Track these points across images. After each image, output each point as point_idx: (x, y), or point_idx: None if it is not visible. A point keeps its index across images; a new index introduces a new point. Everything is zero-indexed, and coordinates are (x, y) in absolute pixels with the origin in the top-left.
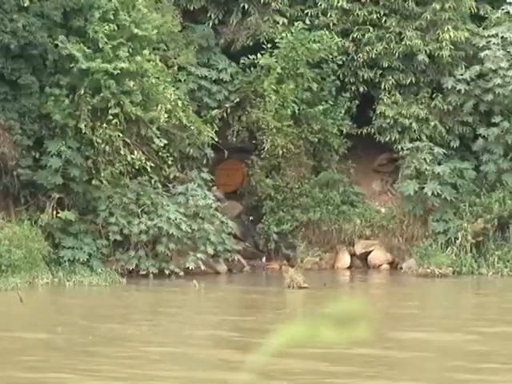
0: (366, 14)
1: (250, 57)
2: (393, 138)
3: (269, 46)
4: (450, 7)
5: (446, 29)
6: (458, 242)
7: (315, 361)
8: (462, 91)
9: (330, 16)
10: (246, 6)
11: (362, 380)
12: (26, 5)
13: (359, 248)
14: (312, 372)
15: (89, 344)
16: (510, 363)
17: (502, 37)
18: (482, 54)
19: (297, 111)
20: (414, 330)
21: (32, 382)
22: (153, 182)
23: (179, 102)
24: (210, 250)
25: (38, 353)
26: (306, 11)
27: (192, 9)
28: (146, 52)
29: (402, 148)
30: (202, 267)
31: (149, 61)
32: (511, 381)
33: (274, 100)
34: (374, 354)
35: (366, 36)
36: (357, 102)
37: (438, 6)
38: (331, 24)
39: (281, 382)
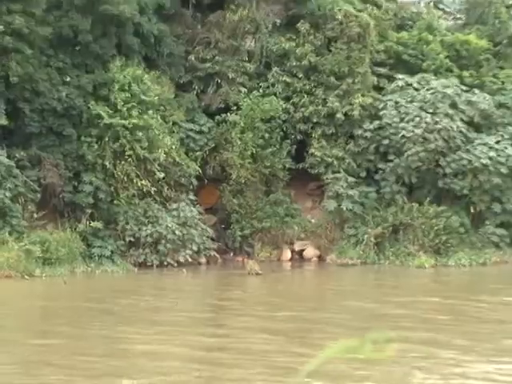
0: (302, 85)
1: (222, 115)
2: (320, 171)
3: (235, 107)
4: (358, 81)
5: (356, 96)
6: (364, 242)
7: None
8: (368, 138)
9: (277, 87)
10: (219, 81)
11: None
12: (67, 80)
13: (297, 246)
14: None
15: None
16: None
17: (395, 101)
18: (381, 113)
19: (254, 152)
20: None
21: None
22: (156, 201)
23: (173, 147)
24: (195, 248)
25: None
26: (260, 84)
27: (182, 82)
28: (150, 112)
29: (326, 178)
30: (189, 260)
31: (152, 118)
32: None
33: (239, 145)
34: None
35: (302, 101)
36: (295, 146)
37: (350, 80)
38: (278, 93)
39: None
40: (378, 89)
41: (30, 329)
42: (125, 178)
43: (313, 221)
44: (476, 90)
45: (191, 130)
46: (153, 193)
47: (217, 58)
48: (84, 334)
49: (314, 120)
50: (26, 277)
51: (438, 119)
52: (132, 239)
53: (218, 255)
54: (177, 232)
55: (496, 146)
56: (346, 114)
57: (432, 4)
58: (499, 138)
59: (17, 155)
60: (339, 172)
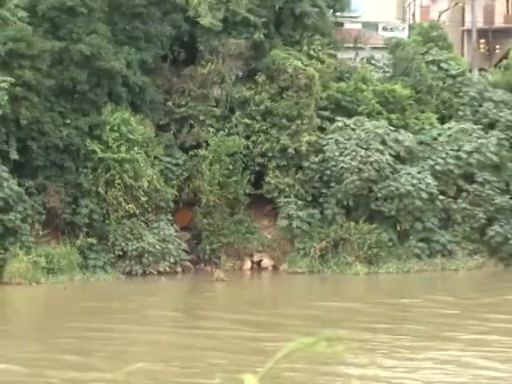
0: (259, 126)
1: (194, 151)
2: (275, 196)
3: (204, 144)
4: (306, 122)
5: (304, 135)
6: (310, 254)
7: None
8: (313, 169)
9: (239, 128)
10: (192, 122)
11: None
12: (68, 122)
13: (256, 258)
14: None
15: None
16: None
17: (336, 139)
18: (324, 148)
19: (220, 181)
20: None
21: None
22: (140, 221)
23: (154, 176)
24: (172, 260)
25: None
26: (225, 125)
27: (161, 123)
28: (135, 148)
29: (279, 201)
30: (168, 269)
31: (137, 153)
32: None
33: (208, 175)
34: None
35: (259, 139)
36: (254, 175)
37: (299, 122)
38: (239, 132)
39: None
40: (322, 129)
41: (36, 324)
42: (114, 202)
43: (269, 237)
44: (401, 130)
45: (169, 162)
46: (137, 214)
47: (190, 104)
48: (83, 329)
49: (270, 154)
50: (34, 284)
51: (370, 153)
52: (120, 252)
53: (191, 265)
54: (157, 246)
55: (418, 176)
56: (295, 150)
57: (365, 60)
58: (420, 169)
59: (26, 184)
60: (290, 197)
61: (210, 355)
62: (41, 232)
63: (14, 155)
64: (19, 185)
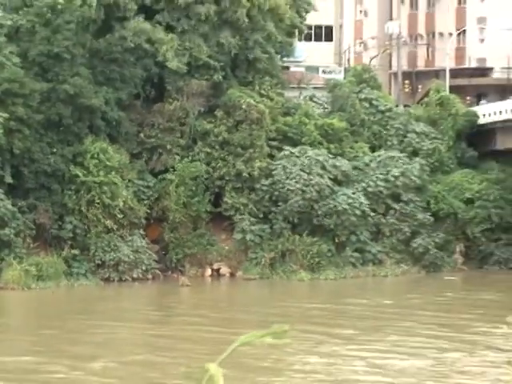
0: (218, 154)
1: (162, 175)
2: (231, 213)
3: (172, 169)
4: (257, 151)
5: (256, 161)
6: (262, 263)
7: None
8: (264, 190)
9: (201, 155)
10: (161, 151)
11: None
12: (54, 151)
13: (215, 266)
14: None
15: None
16: None
17: (283, 165)
18: (273, 173)
19: (185, 201)
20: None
21: None
22: (116, 235)
23: (129, 197)
24: (144, 268)
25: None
26: (189, 153)
27: (134, 152)
28: (113, 173)
29: (235, 218)
30: (140, 276)
31: (114, 177)
32: None
33: (174, 196)
34: None
35: (218, 165)
36: (213, 196)
37: (251, 150)
38: (201, 159)
39: None
40: (271, 156)
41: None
42: (95, 219)
43: (226, 248)
44: (339, 157)
45: (141, 185)
46: (114, 229)
47: (159, 135)
48: (71, 325)
49: (227, 178)
50: (26, 289)
51: (312, 177)
52: (100, 262)
53: (160, 273)
54: (131, 256)
55: (352, 196)
56: (249, 174)
57: (308, 98)
58: (355, 190)
59: (18, 203)
60: (244, 214)
61: (180, 345)
62: (31, 245)
63: (9, 179)
64: (13, 204)
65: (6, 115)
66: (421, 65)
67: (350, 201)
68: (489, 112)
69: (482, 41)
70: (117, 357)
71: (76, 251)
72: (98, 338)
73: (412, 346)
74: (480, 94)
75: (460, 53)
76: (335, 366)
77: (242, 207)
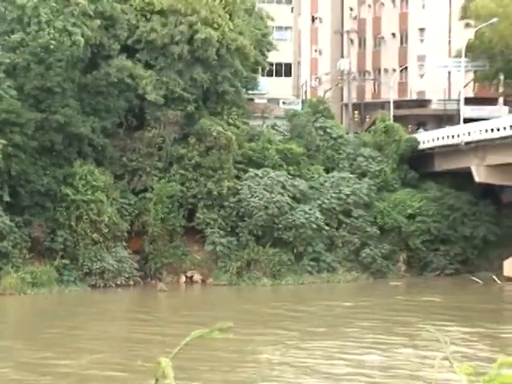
0: (191, 176)
1: (142, 194)
2: (203, 227)
3: (150, 189)
4: (226, 173)
5: (224, 181)
6: (230, 271)
7: None
8: (232, 207)
9: (176, 177)
10: (141, 173)
11: None
12: (47, 173)
13: (189, 274)
14: None
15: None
16: None
17: (248, 185)
18: (239, 192)
19: (162, 217)
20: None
21: None
22: (102, 247)
23: (113, 213)
24: (126, 275)
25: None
26: (166, 175)
27: (118, 174)
28: (99, 192)
29: (207, 231)
30: (123, 283)
31: (100, 196)
32: None
33: (153, 212)
34: None
35: (191, 185)
36: (187, 212)
37: (221, 172)
38: (176, 180)
39: None
40: (238, 177)
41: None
42: (83, 233)
43: (198, 258)
44: (297, 178)
45: (124, 203)
46: (100, 241)
47: (139, 159)
48: (64, 324)
49: (199, 196)
50: (22, 294)
51: (273, 195)
52: (87, 270)
53: (140, 280)
54: (115, 266)
55: (309, 212)
56: (218, 193)
57: (270, 126)
58: (311, 207)
59: (16, 219)
60: (214, 228)
61: (156, 338)
62: (27, 255)
63: (7, 198)
64: (11, 220)
65: (4, 142)
66: (368, 97)
67: (307, 216)
68: (428, 138)
69: (422, 76)
70: (107, 348)
71: (66, 261)
72: (87, 334)
73: (368, 341)
74: (420, 123)
75: (402, 87)
76: (299, 359)
77: (212, 222)
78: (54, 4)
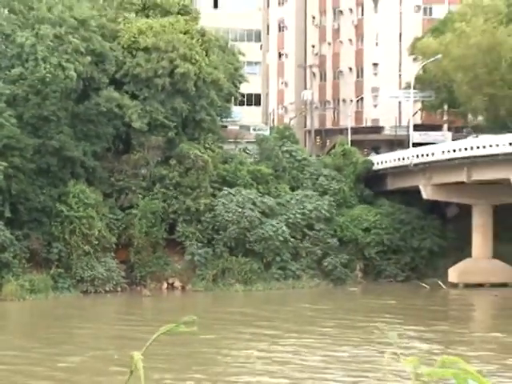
0: (172, 194)
1: (129, 210)
2: (183, 240)
3: (136, 206)
4: (203, 191)
5: (202, 199)
6: (206, 278)
7: None
8: (208, 221)
9: (158, 195)
10: (127, 191)
11: None
12: (44, 191)
13: (170, 281)
14: None
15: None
16: None
17: (223, 202)
18: (215, 208)
19: (146, 230)
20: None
21: None
22: (93, 257)
23: (102, 227)
24: (114, 283)
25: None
26: (149, 193)
27: (107, 192)
28: (90, 208)
29: (186, 243)
30: (112, 289)
31: (91, 212)
32: None
33: (138, 226)
34: None
35: (172, 202)
36: (168, 225)
37: (198, 190)
38: (159, 198)
39: None
40: (213, 195)
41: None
42: (75, 245)
43: (179, 267)
44: (266, 196)
45: (112, 218)
46: (91, 253)
47: (126, 179)
48: (60, 325)
49: (179, 212)
50: (21, 300)
51: (245, 211)
52: (79, 278)
53: (127, 286)
54: (104, 274)
55: (277, 226)
56: (196, 209)
57: (242, 149)
58: (278, 221)
59: (16, 233)
60: (192, 240)
61: (145, 338)
62: (26, 265)
63: (8, 214)
64: (11, 234)
65: (5, 164)
66: (329, 124)
67: (275, 229)
68: (381, 160)
69: (376, 106)
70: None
71: (61, 270)
72: (82, 333)
73: (333, 338)
74: (374, 147)
75: (359, 115)
76: (276, 353)
77: (190, 235)
78: (50, 42)
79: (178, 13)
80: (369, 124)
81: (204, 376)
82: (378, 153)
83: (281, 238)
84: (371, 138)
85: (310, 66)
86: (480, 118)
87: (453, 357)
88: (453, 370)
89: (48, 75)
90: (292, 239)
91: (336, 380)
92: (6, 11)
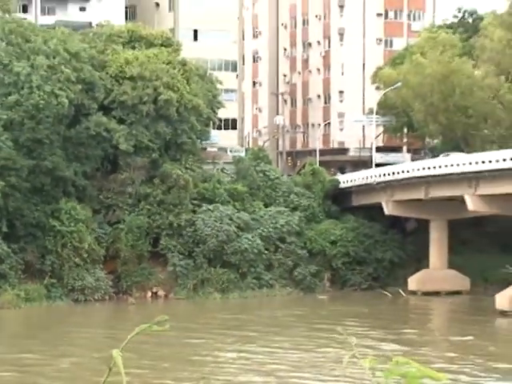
0: (155, 210)
1: (116, 225)
2: (166, 252)
3: (122, 221)
4: (184, 207)
5: (183, 215)
6: (187, 287)
7: None
8: (189, 235)
9: (143, 211)
10: (115, 208)
11: None
12: (38, 208)
13: (154, 290)
14: None
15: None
16: None
17: (202, 218)
18: (195, 223)
19: (132, 243)
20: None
21: None
22: (83, 268)
23: (92, 241)
24: (102, 292)
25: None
26: (135, 209)
27: (95, 209)
28: (80, 223)
29: (169, 255)
30: (100, 298)
31: (81, 227)
32: None
33: (124, 240)
34: None
35: (156, 218)
36: (152, 239)
37: (179, 207)
38: (144, 214)
39: None
40: (194, 211)
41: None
42: (67, 257)
43: (162, 277)
44: (242, 212)
45: (100, 232)
46: (81, 264)
47: (113, 197)
48: (53, 330)
49: (162, 227)
50: (17, 308)
51: (223, 225)
52: (71, 287)
53: (114, 295)
54: (93, 284)
55: (251, 239)
56: (178, 224)
57: (220, 170)
58: (253, 235)
59: (12, 246)
60: (175, 252)
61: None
62: (21, 276)
63: (5, 229)
64: (8, 247)
65: (2, 183)
66: (299, 146)
67: (250, 242)
68: (347, 179)
69: (341, 129)
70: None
71: (54, 280)
72: (76, 337)
73: (304, 342)
74: (340, 167)
75: (326, 138)
76: (252, 355)
77: (173, 247)
78: (44, 72)
79: (162, 45)
80: (335, 146)
81: (189, 375)
82: (343, 172)
83: (255, 251)
84: (338, 159)
85: (282, 94)
86: (436, 140)
87: (404, 358)
88: (406, 369)
89: (42, 102)
90: (266, 251)
91: (309, 378)
92: (4, 43)
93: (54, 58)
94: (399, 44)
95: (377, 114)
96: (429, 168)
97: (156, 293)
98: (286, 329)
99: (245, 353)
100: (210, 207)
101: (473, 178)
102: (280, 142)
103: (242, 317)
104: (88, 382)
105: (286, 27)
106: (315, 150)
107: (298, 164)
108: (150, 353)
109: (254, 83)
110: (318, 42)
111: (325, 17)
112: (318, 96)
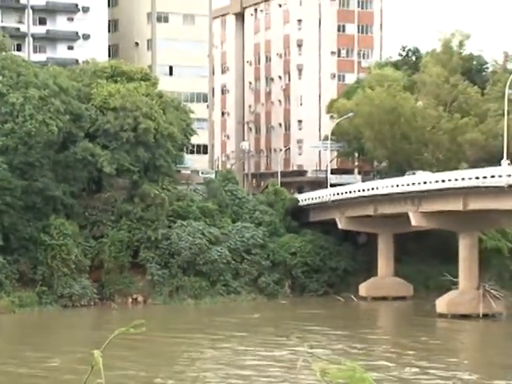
0: (135, 226)
1: (100, 239)
2: (145, 262)
3: (106, 235)
4: (161, 223)
5: (160, 230)
6: (164, 294)
7: None
8: (165, 248)
9: (124, 226)
10: (99, 224)
11: None
12: (30, 224)
13: (134, 296)
14: None
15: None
16: None
17: (177, 232)
18: (171, 237)
19: (114, 255)
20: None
21: None
22: (71, 278)
23: (78, 253)
24: (88, 298)
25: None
26: (117, 225)
27: (82, 225)
28: (68, 238)
29: (147, 266)
30: (86, 303)
31: (69, 241)
32: None
33: (108, 252)
34: None
35: (136, 232)
36: (133, 252)
37: (156, 223)
38: (125, 229)
39: None
40: (169, 226)
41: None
42: (56, 267)
43: (141, 285)
44: (212, 227)
45: (86, 245)
46: (69, 274)
47: (98, 214)
48: (46, 332)
49: (141, 241)
50: (12, 313)
51: (195, 239)
52: (60, 294)
53: (99, 301)
54: (80, 291)
55: (221, 251)
56: (155, 238)
57: (192, 190)
58: (222, 247)
59: (7, 258)
60: (152, 263)
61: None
62: (16, 284)
63: (1, 242)
64: (3, 258)
65: None
66: (263, 169)
67: (219, 254)
68: (305, 198)
69: (300, 154)
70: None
71: (44, 288)
72: (68, 338)
73: (272, 342)
74: (299, 187)
75: (287, 161)
76: (225, 354)
77: (151, 259)
78: (36, 102)
79: (141, 79)
80: (295, 168)
81: (167, 374)
82: (302, 192)
83: (224, 261)
84: (297, 180)
85: (247, 122)
86: (383, 163)
87: (352, 363)
88: (350, 373)
89: (34, 129)
90: (233, 262)
91: (273, 376)
92: (0, 77)
93: (44, 89)
94: (351, 78)
95: (331, 140)
96: (377, 188)
97: (136, 299)
98: (256, 329)
99: (218, 351)
100: (184, 223)
101: (415, 197)
102: (246, 165)
103: (215, 319)
104: (74, 380)
105: (250, 64)
106: (277, 172)
107: (262, 184)
108: (130, 350)
109: (223, 113)
110: (279, 77)
111: (285, 54)
112: (280, 124)
